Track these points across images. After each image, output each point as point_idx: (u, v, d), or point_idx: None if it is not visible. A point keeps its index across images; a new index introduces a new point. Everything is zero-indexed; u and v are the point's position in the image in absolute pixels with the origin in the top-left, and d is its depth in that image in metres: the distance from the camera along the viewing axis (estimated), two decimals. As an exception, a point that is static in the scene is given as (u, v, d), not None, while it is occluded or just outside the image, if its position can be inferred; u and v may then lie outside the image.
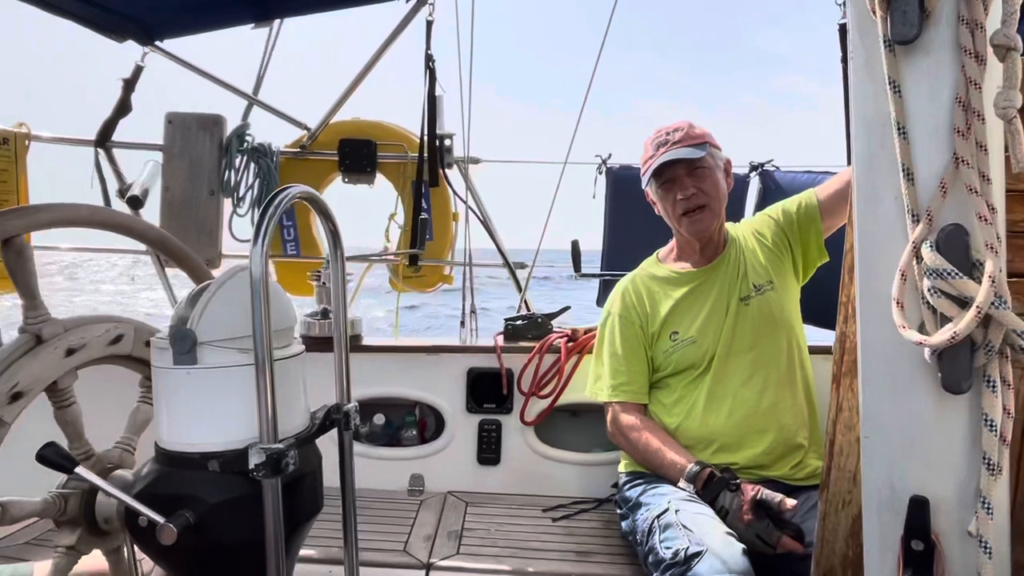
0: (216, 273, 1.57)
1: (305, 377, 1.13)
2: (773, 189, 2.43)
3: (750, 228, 1.94)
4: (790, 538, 1.48)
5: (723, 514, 1.54)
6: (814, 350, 1.93)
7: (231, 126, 2.89)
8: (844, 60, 1.90)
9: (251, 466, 0.95)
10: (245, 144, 2.87)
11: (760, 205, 2.46)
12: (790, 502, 1.50)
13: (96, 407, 1.34)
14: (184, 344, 0.99)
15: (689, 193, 1.78)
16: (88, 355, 1.17)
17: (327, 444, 1.20)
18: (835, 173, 2.02)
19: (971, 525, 0.80)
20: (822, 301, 2.00)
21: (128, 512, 1.01)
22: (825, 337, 2.12)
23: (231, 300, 1.03)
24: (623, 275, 2.07)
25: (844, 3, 1.89)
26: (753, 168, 2.50)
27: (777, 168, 2.49)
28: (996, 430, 0.77)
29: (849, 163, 1.98)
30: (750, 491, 1.54)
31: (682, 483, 1.64)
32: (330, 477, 1.20)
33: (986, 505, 0.79)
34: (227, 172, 2.85)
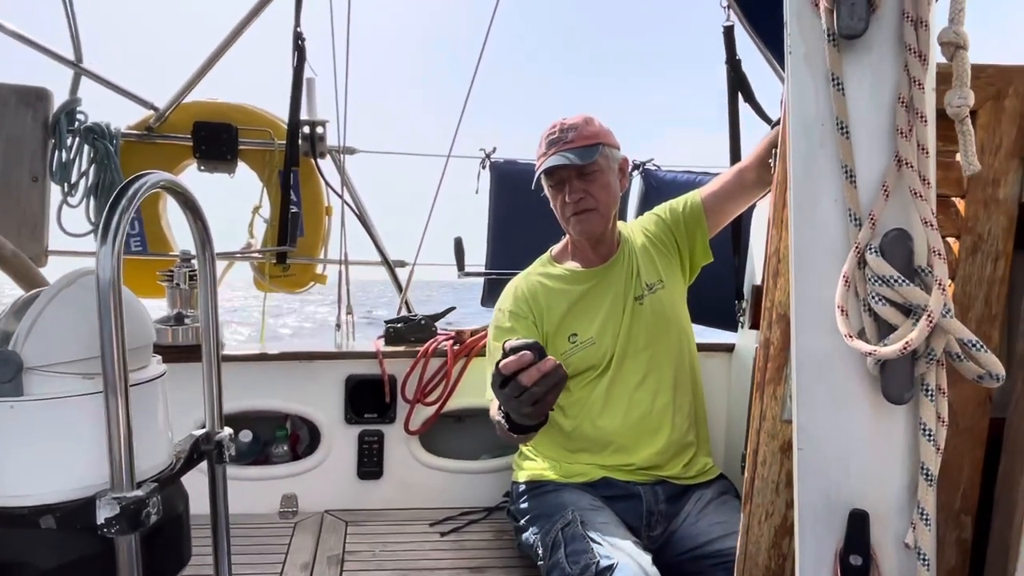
0: (43, 273, 1.32)
1: (168, 403, 0.94)
2: (655, 187, 2.45)
3: (640, 227, 1.93)
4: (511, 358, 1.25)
5: (514, 419, 1.37)
6: (699, 348, 1.95)
7: (59, 103, 2.49)
8: (729, 62, 1.93)
9: (100, 521, 0.76)
10: (77, 123, 2.48)
11: (642, 203, 2.48)
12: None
13: None
14: (6, 370, 0.77)
15: (577, 197, 1.72)
16: None
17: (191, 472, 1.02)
18: (714, 175, 2.05)
19: (907, 536, 0.79)
20: (701, 300, 2.05)
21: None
22: (702, 334, 2.17)
23: (71, 313, 0.82)
24: (508, 274, 1.99)
25: (728, 5, 1.92)
26: (635, 167, 2.51)
27: (658, 168, 2.51)
28: (933, 439, 0.76)
29: (732, 164, 2.03)
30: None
31: (499, 416, 1.46)
32: (193, 504, 1.02)
33: (924, 516, 0.77)
34: (55, 155, 2.45)
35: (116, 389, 0.75)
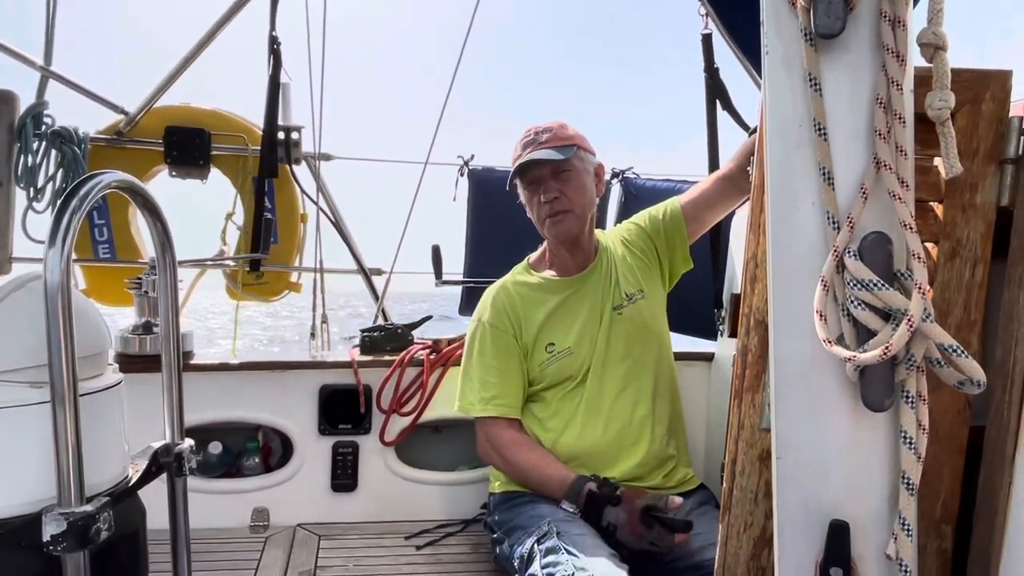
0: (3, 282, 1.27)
1: (124, 413, 0.90)
2: (634, 195, 2.44)
3: (618, 236, 1.91)
4: (682, 534, 1.47)
5: (611, 530, 1.49)
6: (677, 356, 1.93)
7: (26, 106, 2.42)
8: (707, 71, 1.93)
9: (46, 537, 0.72)
10: (44, 127, 2.42)
11: (621, 211, 2.47)
12: (676, 500, 1.48)
13: None
14: (-56, 379, 0.73)
15: (551, 196, 1.71)
16: None
17: (153, 483, 0.97)
18: (694, 182, 2.04)
19: (889, 548, 0.77)
20: (681, 309, 2.03)
21: None
22: (680, 342, 2.15)
23: (17, 318, 0.78)
24: (486, 282, 1.96)
25: (707, 14, 1.92)
26: (615, 175, 2.50)
27: (638, 176, 2.50)
28: (914, 448, 0.74)
29: (711, 172, 2.03)
30: (635, 501, 1.49)
31: (565, 504, 1.56)
32: (155, 518, 0.97)
33: (905, 526, 0.75)
34: (21, 158, 2.38)
35: (64, 399, 0.71)
